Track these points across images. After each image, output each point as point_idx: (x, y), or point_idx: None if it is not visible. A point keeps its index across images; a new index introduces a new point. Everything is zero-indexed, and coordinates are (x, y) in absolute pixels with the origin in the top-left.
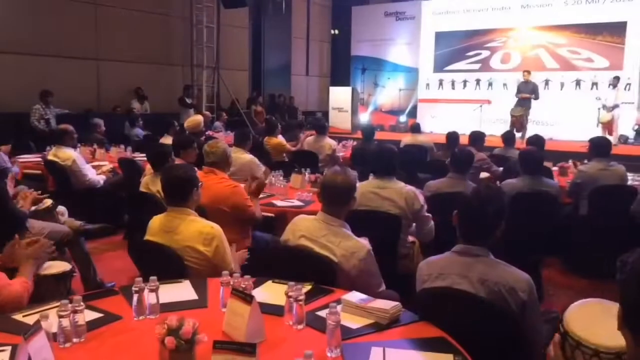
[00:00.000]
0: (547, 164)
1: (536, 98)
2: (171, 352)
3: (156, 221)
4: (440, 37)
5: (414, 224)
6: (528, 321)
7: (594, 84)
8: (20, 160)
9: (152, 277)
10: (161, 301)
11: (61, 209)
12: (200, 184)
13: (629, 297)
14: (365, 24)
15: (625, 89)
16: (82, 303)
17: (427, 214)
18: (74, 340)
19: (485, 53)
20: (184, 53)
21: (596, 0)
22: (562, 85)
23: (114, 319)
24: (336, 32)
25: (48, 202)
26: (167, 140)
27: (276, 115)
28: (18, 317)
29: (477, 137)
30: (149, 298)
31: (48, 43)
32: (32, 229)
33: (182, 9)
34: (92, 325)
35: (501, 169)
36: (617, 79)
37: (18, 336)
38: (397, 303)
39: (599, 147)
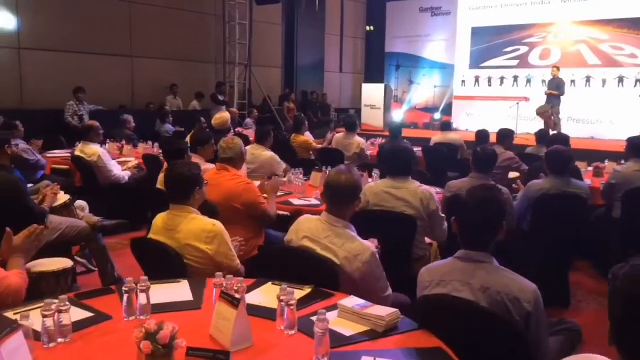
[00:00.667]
0: (581, 164)
1: (561, 94)
2: (147, 356)
3: (159, 219)
4: (476, 32)
5: None
6: (532, 334)
7: (638, 80)
8: (50, 155)
9: (142, 277)
10: (155, 301)
11: (81, 203)
12: (205, 182)
13: (614, 313)
14: (400, 20)
15: None
16: (67, 303)
17: (441, 215)
18: (59, 340)
19: (523, 49)
20: (217, 50)
21: None
22: (604, 82)
23: (104, 319)
24: (370, 28)
25: (65, 197)
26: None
27: (308, 112)
28: (9, 314)
29: (505, 135)
30: (140, 298)
31: (84, 40)
32: (51, 224)
33: (215, 6)
34: (80, 325)
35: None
36: None
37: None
38: (394, 310)
39: (637, 147)
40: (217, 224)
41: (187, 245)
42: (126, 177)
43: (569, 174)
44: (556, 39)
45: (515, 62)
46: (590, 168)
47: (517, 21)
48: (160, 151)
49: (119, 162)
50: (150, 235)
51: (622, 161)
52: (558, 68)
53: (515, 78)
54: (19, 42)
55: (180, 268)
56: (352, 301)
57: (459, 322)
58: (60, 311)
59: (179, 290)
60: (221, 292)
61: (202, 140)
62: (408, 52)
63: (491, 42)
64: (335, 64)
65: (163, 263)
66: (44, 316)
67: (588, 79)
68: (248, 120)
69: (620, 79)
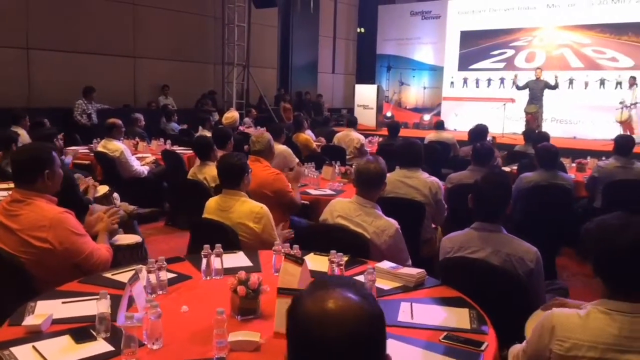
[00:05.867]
0: (565, 160)
1: (554, 87)
2: (241, 298)
3: (212, 202)
4: (465, 36)
5: None
6: (534, 287)
7: (618, 83)
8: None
9: (217, 245)
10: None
11: (115, 195)
12: (250, 170)
13: (594, 252)
14: (391, 23)
15: None
16: (164, 262)
17: (444, 203)
18: (159, 292)
19: (510, 52)
20: (216, 51)
21: (622, 0)
22: (586, 84)
23: (187, 278)
24: (362, 30)
25: (105, 188)
26: (203, 134)
27: (303, 112)
28: (108, 275)
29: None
30: (215, 262)
31: (89, 41)
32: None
33: (215, 8)
34: (170, 282)
35: None
36: (633, 78)
37: (111, 288)
38: (422, 270)
39: (619, 146)
40: (264, 207)
41: (239, 224)
42: (145, 172)
43: (557, 167)
44: (541, 43)
45: (502, 65)
46: (573, 164)
47: (504, 26)
48: (173, 147)
49: (137, 158)
50: (205, 216)
51: (604, 158)
52: (541, 70)
53: (502, 80)
54: (27, 42)
55: (236, 242)
56: (385, 264)
57: (476, 278)
58: (160, 269)
59: (239, 259)
60: (286, 255)
61: (227, 137)
62: (399, 54)
63: (479, 46)
64: (329, 65)
65: (219, 239)
66: (149, 272)
67: (571, 81)
68: (247, 119)
69: (602, 82)
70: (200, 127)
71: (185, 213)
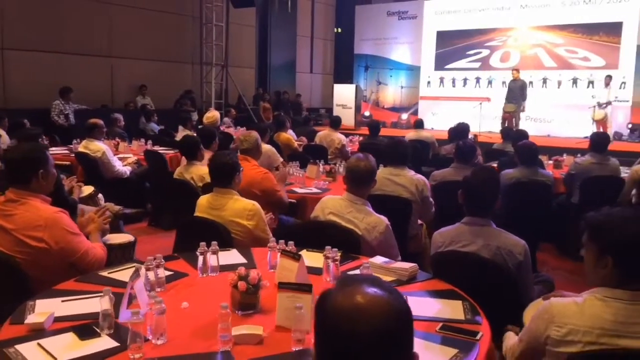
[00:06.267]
0: (542, 157)
1: (524, 99)
2: (242, 293)
3: (203, 200)
4: (441, 36)
5: None
6: (523, 279)
7: (590, 82)
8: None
9: (213, 242)
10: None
11: (100, 195)
12: (241, 169)
13: (614, 242)
14: (368, 23)
15: (620, 87)
16: (162, 260)
17: (431, 200)
18: (158, 289)
19: (485, 52)
20: (194, 51)
21: (593, 1)
22: (559, 83)
23: (183, 276)
24: (339, 30)
25: (90, 189)
26: (184, 133)
27: (282, 111)
28: (104, 273)
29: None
30: (211, 260)
31: (65, 41)
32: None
33: (193, 8)
34: (167, 279)
35: None
36: (609, 77)
37: (107, 286)
38: (414, 264)
39: (595, 143)
40: (256, 205)
41: (231, 222)
42: (128, 172)
43: (537, 164)
44: (516, 43)
45: (477, 65)
46: (550, 161)
47: (479, 26)
48: (154, 148)
49: (118, 159)
50: (197, 214)
51: (579, 155)
52: (518, 71)
53: (478, 79)
54: (2, 42)
55: (229, 240)
56: (379, 259)
57: (468, 271)
58: (158, 266)
59: (233, 256)
60: (283, 251)
61: (212, 136)
62: (376, 54)
63: (455, 45)
64: (307, 64)
65: (212, 237)
66: (148, 269)
67: (545, 80)
68: (227, 119)
69: (575, 81)
70: (180, 127)
71: (170, 213)
